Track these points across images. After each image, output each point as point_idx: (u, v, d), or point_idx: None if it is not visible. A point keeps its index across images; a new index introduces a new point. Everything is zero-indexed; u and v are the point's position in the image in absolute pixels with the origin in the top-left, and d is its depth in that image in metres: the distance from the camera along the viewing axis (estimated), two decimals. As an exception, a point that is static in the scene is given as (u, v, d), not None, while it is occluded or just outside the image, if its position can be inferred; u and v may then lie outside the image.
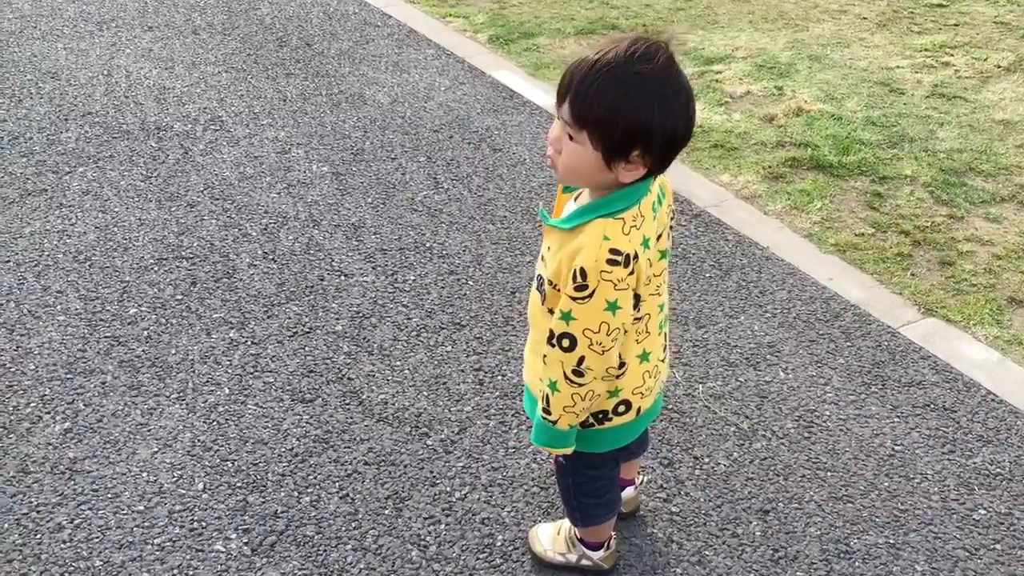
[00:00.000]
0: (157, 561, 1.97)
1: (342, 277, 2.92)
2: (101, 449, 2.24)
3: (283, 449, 2.27)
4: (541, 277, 1.56)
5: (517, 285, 2.91)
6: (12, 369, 2.48)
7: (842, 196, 3.50)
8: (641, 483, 2.12)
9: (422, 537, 2.05)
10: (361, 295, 2.83)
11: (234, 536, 2.03)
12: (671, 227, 1.61)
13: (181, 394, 2.42)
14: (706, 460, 2.29)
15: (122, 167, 3.49)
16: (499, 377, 2.52)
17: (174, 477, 2.17)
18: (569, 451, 1.63)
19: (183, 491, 2.14)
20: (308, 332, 2.66)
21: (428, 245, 3.10)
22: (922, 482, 2.25)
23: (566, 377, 1.50)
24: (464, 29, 5.08)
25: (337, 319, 2.72)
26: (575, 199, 1.56)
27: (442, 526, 2.08)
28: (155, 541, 2.01)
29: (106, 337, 2.61)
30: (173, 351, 2.57)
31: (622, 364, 1.55)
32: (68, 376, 2.46)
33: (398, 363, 2.56)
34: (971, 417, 2.46)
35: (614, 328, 1.45)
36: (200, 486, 2.15)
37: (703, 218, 3.34)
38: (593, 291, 1.42)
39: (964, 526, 2.14)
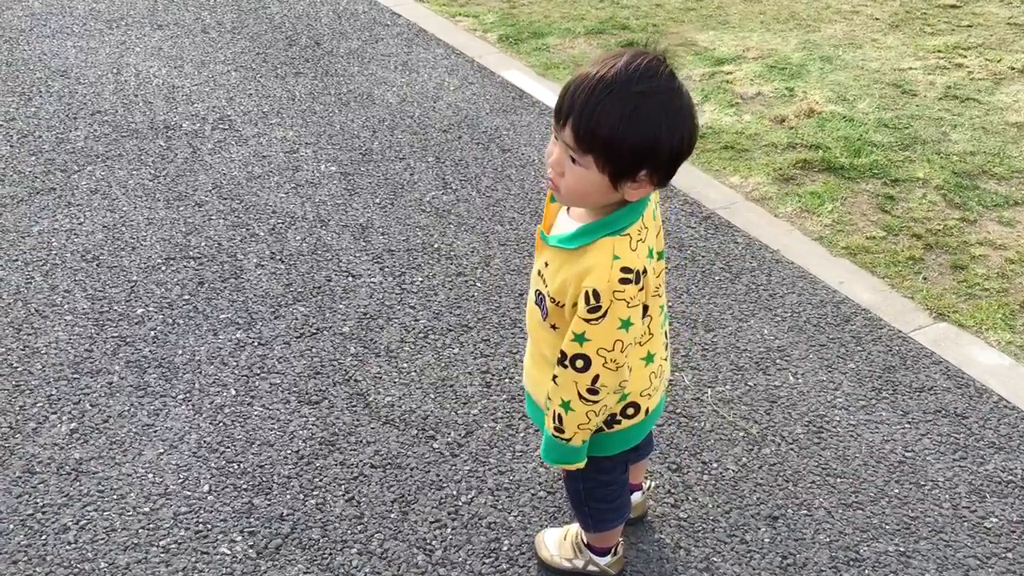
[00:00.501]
0: (162, 564, 1.96)
1: (349, 278, 2.91)
2: (107, 450, 2.23)
3: (289, 451, 2.26)
4: (541, 293, 1.52)
5: (525, 287, 2.89)
6: (19, 369, 2.48)
7: (853, 199, 3.47)
8: (648, 488, 2.10)
9: (428, 541, 2.04)
10: (368, 296, 2.82)
11: (239, 539, 2.03)
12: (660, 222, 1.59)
13: (187, 395, 2.41)
14: (715, 465, 2.27)
15: (131, 166, 3.49)
16: (506, 380, 2.51)
17: (180, 479, 2.17)
18: (582, 464, 1.61)
19: (188, 493, 2.13)
20: (315, 333, 2.66)
21: (436, 246, 3.09)
22: (933, 489, 2.23)
23: (580, 396, 1.49)
24: (474, 28, 5.07)
25: (344, 320, 2.71)
26: (567, 210, 1.51)
27: (448, 530, 2.07)
28: (160, 543, 2.01)
29: (113, 337, 2.61)
30: (180, 352, 2.56)
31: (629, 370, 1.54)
32: (75, 376, 2.46)
33: (405, 365, 2.55)
34: (983, 423, 2.43)
35: (628, 344, 1.44)
36: (206, 488, 2.15)
37: (713, 220, 3.32)
38: (606, 311, 1.40)
39: (975, 534, 2.11)
